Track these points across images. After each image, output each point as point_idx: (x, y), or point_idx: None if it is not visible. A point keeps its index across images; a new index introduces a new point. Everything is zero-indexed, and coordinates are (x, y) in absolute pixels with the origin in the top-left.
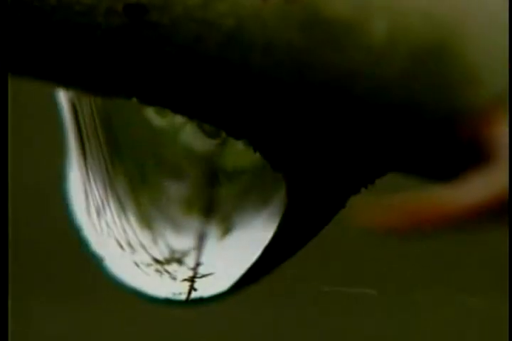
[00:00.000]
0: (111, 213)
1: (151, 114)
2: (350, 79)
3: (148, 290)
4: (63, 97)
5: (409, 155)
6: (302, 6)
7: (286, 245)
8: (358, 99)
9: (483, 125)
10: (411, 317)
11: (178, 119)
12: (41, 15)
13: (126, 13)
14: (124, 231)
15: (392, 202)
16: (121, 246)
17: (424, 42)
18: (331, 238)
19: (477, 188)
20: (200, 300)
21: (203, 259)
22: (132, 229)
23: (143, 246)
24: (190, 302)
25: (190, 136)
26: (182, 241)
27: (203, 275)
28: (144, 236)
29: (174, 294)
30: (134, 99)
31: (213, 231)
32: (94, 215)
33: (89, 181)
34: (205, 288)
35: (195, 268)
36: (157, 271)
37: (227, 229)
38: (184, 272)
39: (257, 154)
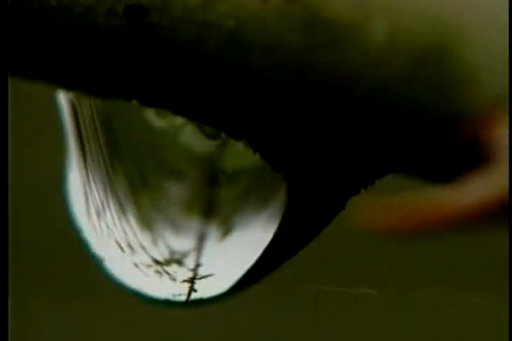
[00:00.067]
0: (111, 214)
1: (151, 115)
2: (350, 80)
3: (148, 291)
4: (63, 99)
5: (409, 156)
6: (303, 6)
7: (286, 246)
8: (357, 100)
9: (483, 126)
10: (411, 317)
11: (178, 120)
12: (41, 17)
13: (126, 14)
14: (124, 232)
15: (392, 203)
16: (121, 248)
17: (424, 43)
18: (331, 239)
19: (477, 189)
20: (200, 301)
21: (203, 260)
22: (132, 230)
23: (143, 247)
24: (190, 304)
25: (190, 137)
26: (182, 242)
27: (203, 277)
28: (143, 238)
29: (174, 295)
30: (134, 101)
31: (213, 232)
32: (94, 216)
33: (89, 182)
34: (205, 289)
35: (195, 269)
36: (157, 272)
37: (227, 230)
38: (184, 273)
39: (257, 155)
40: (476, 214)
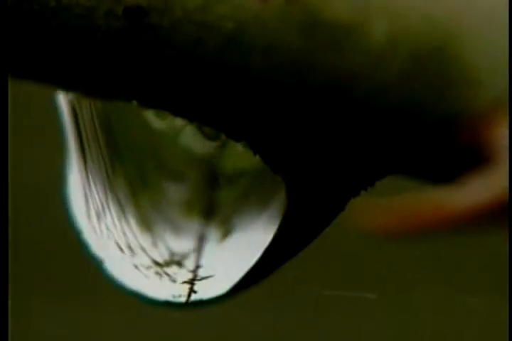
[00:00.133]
0: (111, 216)
1: (150, 116)
2: (349, 81)
3: (148, 293)
4: (63, 100)
5: (408, 157)
6: (302, 7)
7: (286, 247)
8: (357, 101)
9: (483, 126)
10: (410, 318)
11: (178, 122)
12: (41, 18)
13: (125, 15)
14: (124, 233)
15: (392, 204)
16: (121, 249)
17: (424, 44)
18: (331, 240)
19: (477, 190)
20: (200, 303)
21: (203, 262)
22: (132, 232)
23: (143, 249)
24: (189, 305)
25: (190, 138)
26: (182, 244)
27: (203, 278)
28: (143, 239)
29: (174, 296)
30: (134, 102)
31: (213, 234)
32: (94, 218)
33: (89, 184)
34: (205, 291)
35: (194, 271)
36: (157, 273)
37: (227, 232)
38: (184, 274)
39: (257, 156)
40: (476, 215)
